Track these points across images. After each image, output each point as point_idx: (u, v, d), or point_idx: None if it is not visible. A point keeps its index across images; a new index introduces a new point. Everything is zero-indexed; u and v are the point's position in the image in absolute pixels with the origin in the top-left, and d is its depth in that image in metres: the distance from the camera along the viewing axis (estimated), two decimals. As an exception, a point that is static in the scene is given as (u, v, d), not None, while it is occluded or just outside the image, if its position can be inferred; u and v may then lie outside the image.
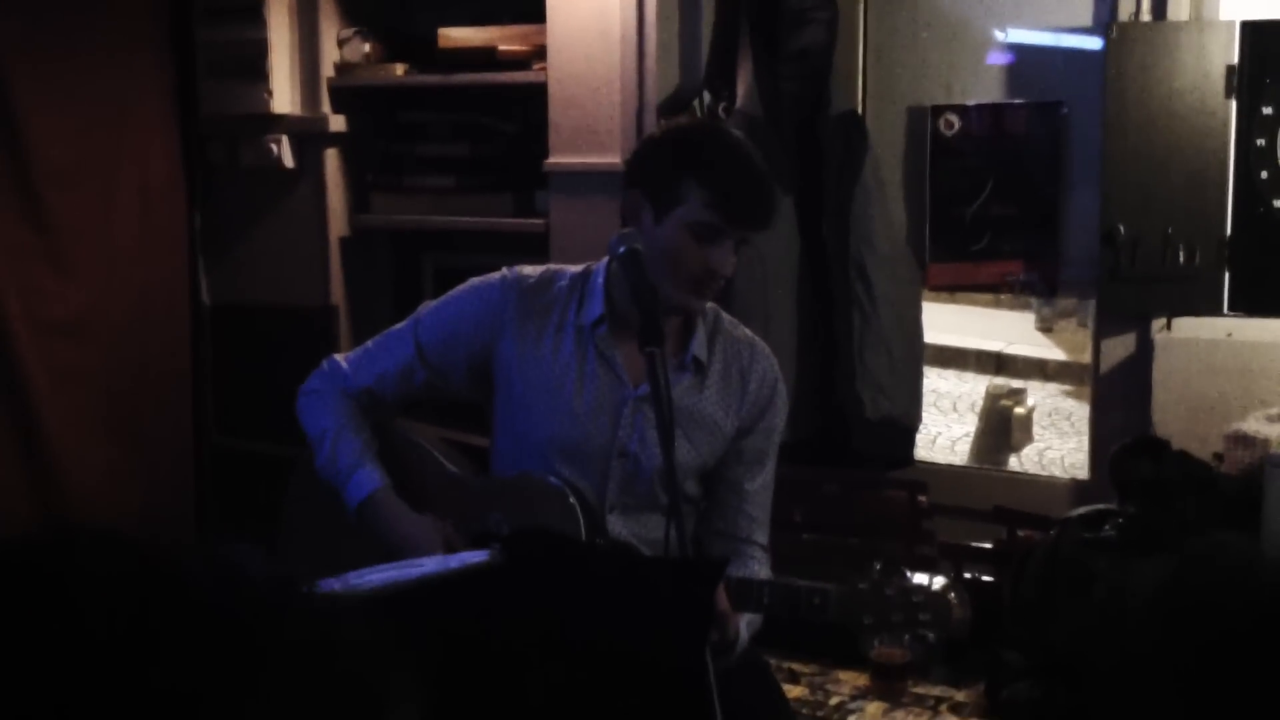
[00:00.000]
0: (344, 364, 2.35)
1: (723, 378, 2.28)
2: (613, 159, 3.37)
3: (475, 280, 2.33)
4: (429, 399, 2.42)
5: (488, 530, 2.22)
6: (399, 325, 2.36)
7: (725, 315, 2.34)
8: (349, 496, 2.26)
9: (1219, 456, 2.87)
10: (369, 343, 2.39)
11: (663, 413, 1.95)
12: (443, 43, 3.67)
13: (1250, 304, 3.06)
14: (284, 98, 3.79)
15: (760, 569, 2.28)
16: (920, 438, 3.52)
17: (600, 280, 2.26)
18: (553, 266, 2.34)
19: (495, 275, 2.32)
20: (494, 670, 1.79)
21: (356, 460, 2.27)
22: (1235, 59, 3.01)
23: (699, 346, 2.26)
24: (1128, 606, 2.55)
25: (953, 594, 1.92)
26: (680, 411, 2.14)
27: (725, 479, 2.30)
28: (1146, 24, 3.11)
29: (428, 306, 2.36)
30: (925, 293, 3.51)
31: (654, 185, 2.15)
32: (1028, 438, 5.88)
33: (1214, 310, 3.08)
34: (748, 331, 2.35)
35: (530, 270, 2.32)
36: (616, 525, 2.24)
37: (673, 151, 2.17)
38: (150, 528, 3.82)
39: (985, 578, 3.06)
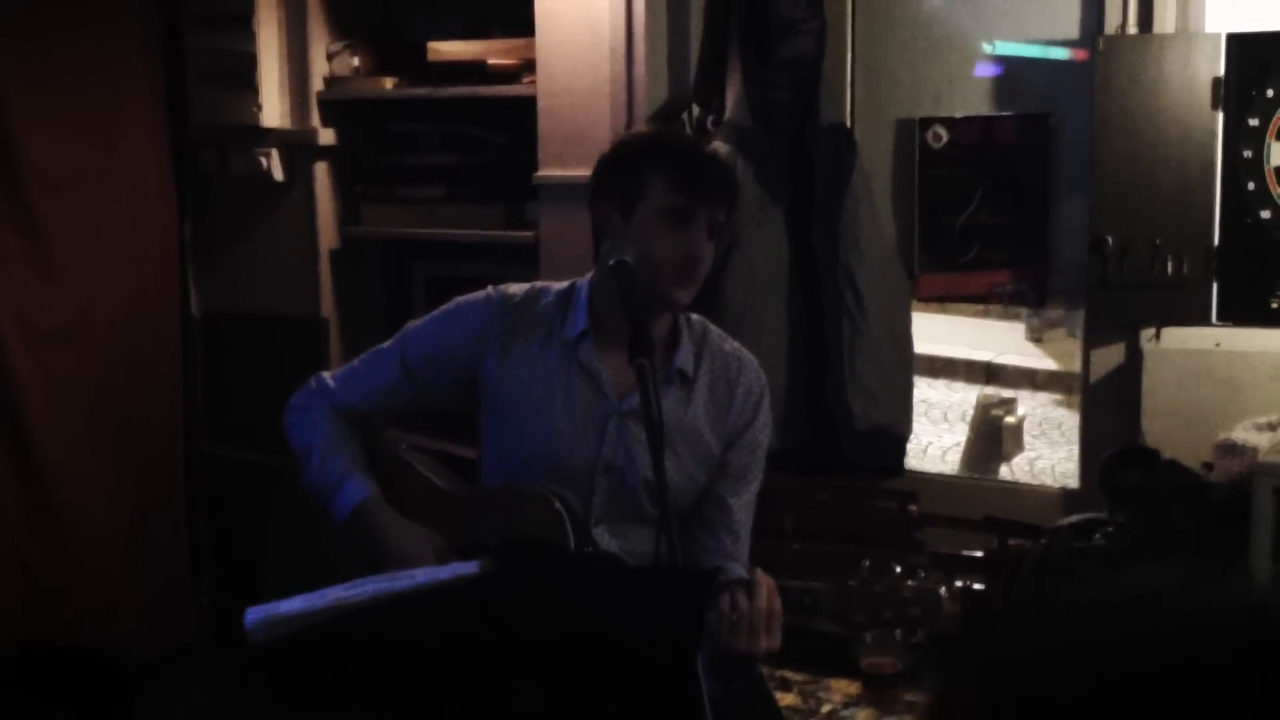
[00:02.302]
0: (330, 381, 2.36)
1: (710, 392, 2.28)
2: (603, 171, 3.37)
3: (460, 299, 2.34)
4: (418, 413, 2.43)
5: (476, 542, 2.22)
6: (385, 344, 2.37)
7: (714, 329, 2.34)
8: (338, 508, 2.26)
9: (1208, 465, 2.88)
10: (355, 361, 2.40)
11: (653, 424, 1.95)
12: (432, 56, 3.68)
13: (1238, 314, 3.07)
14: (273, 111, 3.79)
15: None
16: (911, 447, 3.53)
17: (584, 294, 2.27)
18: (538, 284, 2.35)
19: (480, 294, 2.33)
20: (486, 674, 1.79)
21: (345, 472, 2.27)
22: (1221, 71, 3.03)
23: (684, 359, 2.26)
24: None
25: (942, 589, 1.93)
26: (666, 425, 2.14)
27: (710, 493, 2.30)
28: (1133, 36, 3.13)
29: (413, 325, 2.36)
30: (915, 303, 3.52)
31: (617, 189, 2.19)
32: (1018, 447, 5.90)
33: (1202, 320, 3.10)
34: (736, 344, 2.35)
35: (516, 288, 2.33)
36: (603, 538, 2.24)
37: (626, 153, 2.22)
38: (138, 536, 3.81)
39: (976, 586, 3.07)
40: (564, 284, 2.32)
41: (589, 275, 2.29)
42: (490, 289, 2.32)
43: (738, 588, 1.94)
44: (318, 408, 2.33)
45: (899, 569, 1.95)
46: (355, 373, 2.37)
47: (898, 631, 1.94)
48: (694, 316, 2.32)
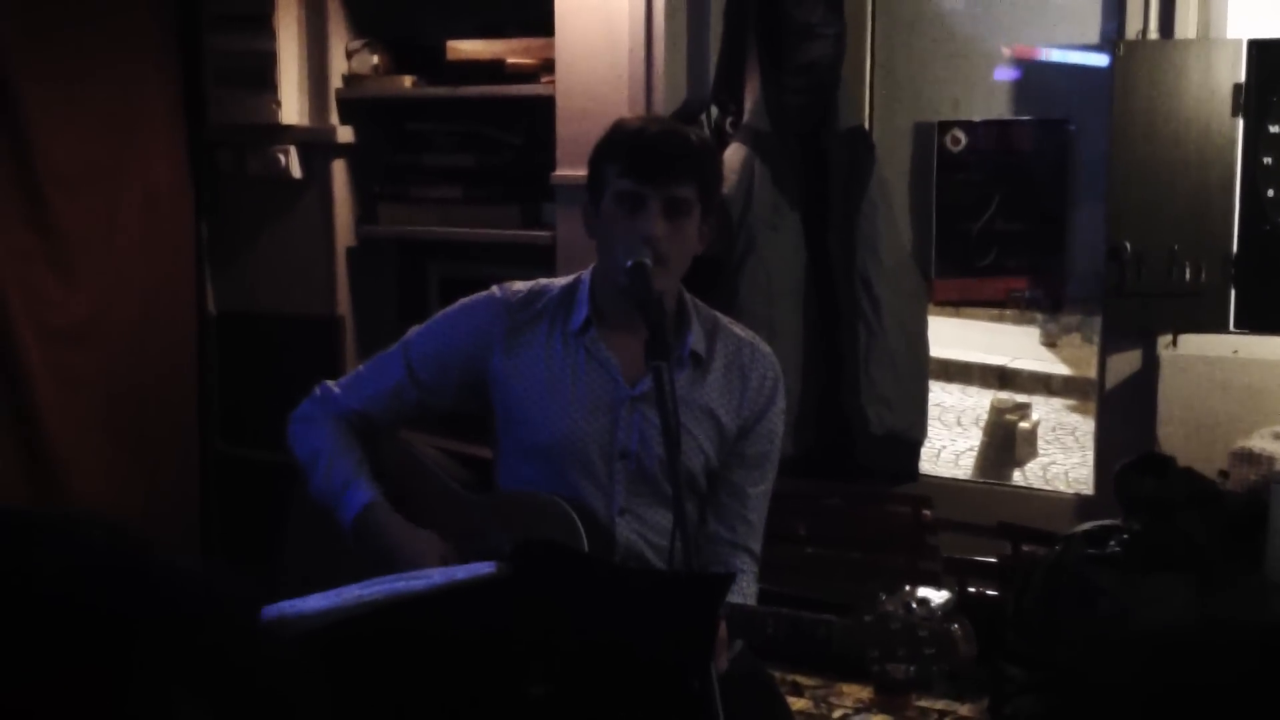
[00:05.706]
0: (335, 388, 2.37)
1: (725, 375, 2.29)
2: (620, 171, 3.37)
3: (464, 300, 2.36)
4: (422, 416, 2.43)
5: (490, 546, 2.22)
6: (389, 349, 2.38)
7: (724, 317, 2.36)
8: (343, 514, 2.26)
9: (1224, 474, 2.87)
10: (360, 367, 2.41)
11: (669, 423, 1.95)
12: (451, 55, 3.68)
13: (1256, 321, 3.06)
14: (292, 109, 3.79)
15: (746, 578, 2.28)
16: (924, 452, 3.52)
17: (587, 285, 2.28)
18: (543, 280, 2.37)
19: (484, 294, 2.35)
20: (500, 676, 1.79)
21: (349, 478, 2.28)
22: (1242, 77, 3.02)
23: (696, 341, 2.27)
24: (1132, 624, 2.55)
25: (958, 629, 1.91)
26: (681, 404, 2.14)
27: (729, 482, 2.31)
28: (1154, 42, 3.12)
29: (417, 329, 2.38)
30: (930, 307, 3.51)
31: (590, 181, 2.24)
32: (1032, 452, 5.91)
33: (1220, 327, 3.09)
34: (750, 332, 2.37)
35: (520, 285, 2.35)
36: (626, 530, 2.24)
37: (596, 145, 2.25)
38: (153, 534, 3.82)
39: (989, 592, 3.06)
40: (568, 279, 2.34)
41: (590, 268, 2.30)
42: (495, 288, 2.34)
43: None
44: (321, 416, 2.34)
45: (915, 604, 1.93)
46: (360, 377, 2.38)
47: (911, 668, 1.92)
48: (700, 302, 2.33)
